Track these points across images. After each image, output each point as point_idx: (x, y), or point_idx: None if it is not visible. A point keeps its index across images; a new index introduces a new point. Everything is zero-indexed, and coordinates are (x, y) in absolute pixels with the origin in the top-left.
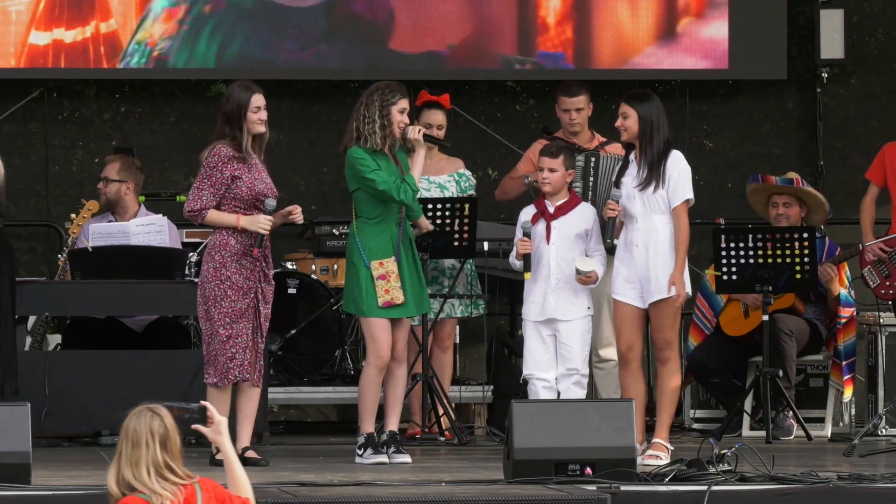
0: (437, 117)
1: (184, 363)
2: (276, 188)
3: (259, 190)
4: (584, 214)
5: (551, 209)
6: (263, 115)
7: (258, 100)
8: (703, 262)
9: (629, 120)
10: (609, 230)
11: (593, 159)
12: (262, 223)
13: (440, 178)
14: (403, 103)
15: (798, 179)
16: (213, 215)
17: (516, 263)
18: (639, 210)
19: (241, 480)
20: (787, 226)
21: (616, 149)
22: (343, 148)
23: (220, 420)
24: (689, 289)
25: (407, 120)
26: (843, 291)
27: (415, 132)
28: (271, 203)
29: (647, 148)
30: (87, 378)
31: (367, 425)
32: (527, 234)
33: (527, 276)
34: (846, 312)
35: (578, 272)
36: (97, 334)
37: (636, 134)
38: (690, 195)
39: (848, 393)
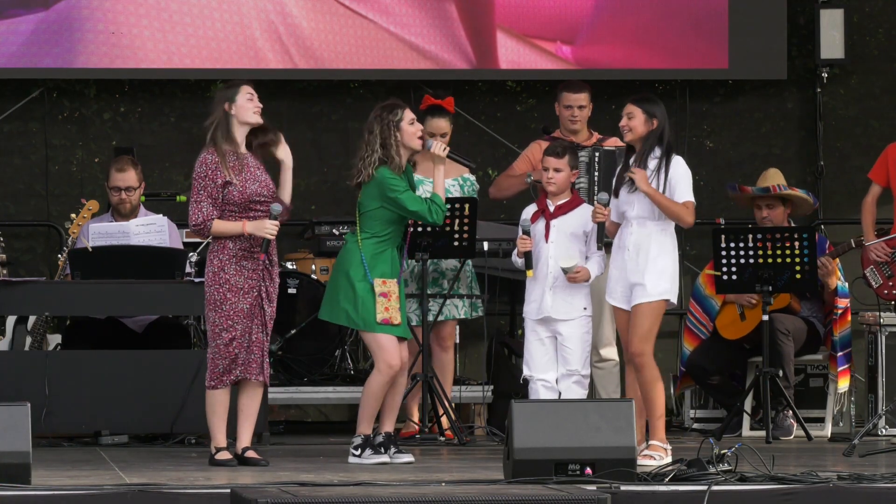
0: (441, 125)
1: (184, 363)
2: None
3: (252, 191)
4: (585, 215)
5: (552, 208)
6: (258, 103)
7: (247, 89)
8: (702, 262)
9: (634, 120)
10: (598, 234)
11: (597, 154)
12: (268, 228)
13: None
14: (409, 114)
15: (774, 186)
16: (219, 226)
17: (518, 261)
18: (635, 214)
19: None
20: (786, 226)
21: (614, 142)
22: (355, 182)
23: None
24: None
25: (420, 127)
26: (839, 283)
27: (438, 148)
28: (276, 208)
29: (650, 152)
30: (87, 378)
31: (366, 427)
32: (526, 233)
33: (529, 273)
34: (842, 303)
35: (564, 271)
36: (97, 334)
37: (640, 135)
38: (690, 198)
39: (843, 384)
